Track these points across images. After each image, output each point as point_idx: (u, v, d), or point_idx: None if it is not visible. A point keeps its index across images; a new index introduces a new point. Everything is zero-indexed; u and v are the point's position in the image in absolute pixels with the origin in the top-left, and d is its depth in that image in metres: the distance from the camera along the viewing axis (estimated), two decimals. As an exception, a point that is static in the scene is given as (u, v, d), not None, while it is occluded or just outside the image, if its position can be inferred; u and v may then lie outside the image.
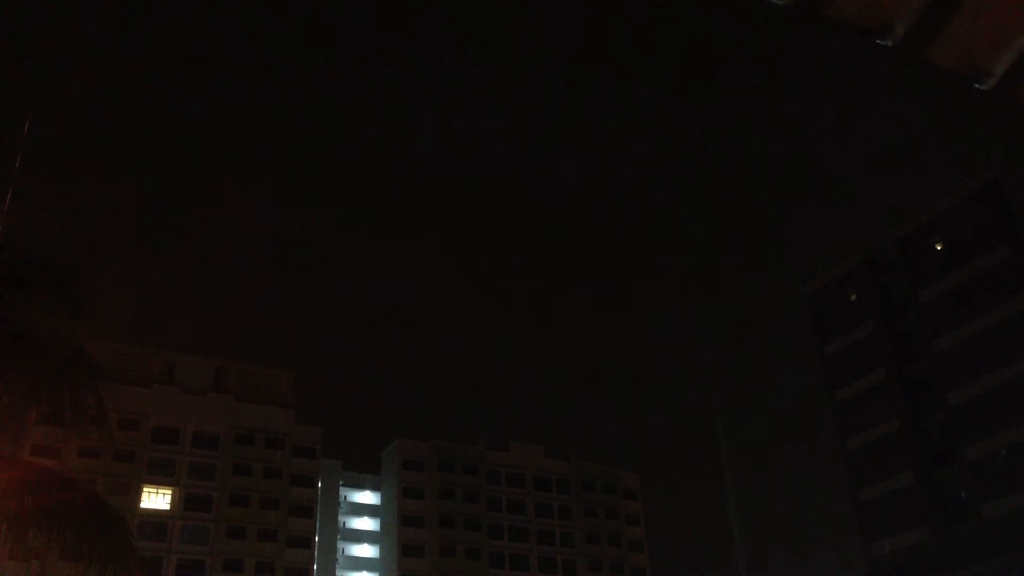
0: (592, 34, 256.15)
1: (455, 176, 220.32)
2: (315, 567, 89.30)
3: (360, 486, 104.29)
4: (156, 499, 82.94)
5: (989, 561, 48.93)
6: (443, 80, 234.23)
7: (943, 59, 2.53)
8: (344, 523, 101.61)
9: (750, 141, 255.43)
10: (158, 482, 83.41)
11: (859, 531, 59.06)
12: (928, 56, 2.56)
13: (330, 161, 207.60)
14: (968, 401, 54.26)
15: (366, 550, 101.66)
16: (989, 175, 56.11)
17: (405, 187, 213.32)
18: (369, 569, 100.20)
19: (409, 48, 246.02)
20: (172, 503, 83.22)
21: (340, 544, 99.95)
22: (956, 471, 54.77)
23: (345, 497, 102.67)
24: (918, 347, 58.59)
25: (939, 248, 58.09)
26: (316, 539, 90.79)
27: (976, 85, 2.64)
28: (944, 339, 56.43)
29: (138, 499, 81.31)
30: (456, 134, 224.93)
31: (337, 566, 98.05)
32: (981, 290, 54.80)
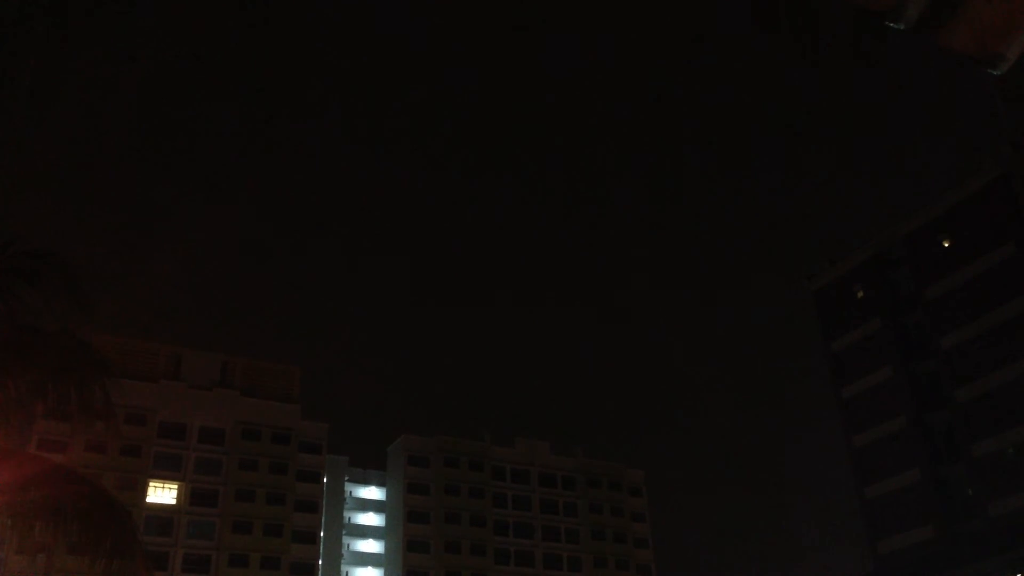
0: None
1: (465, 168, 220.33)
2: (320, 562, 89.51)
3: (366, 482, 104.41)
4: (162, 494, 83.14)
5: (995, 559, 48.78)
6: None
7: (956, 43, 2.48)
8: (349, 518, 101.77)
9: (758, 139, 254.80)
10: (164, 477, 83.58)
11: (865, 528, 58.97)
12: (941, 40, 2.50)
13: (334, 164, 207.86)
14: (975, 399, 54.10)
15: (371, 545, 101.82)
16: (997, 171, 55.91)
17: (413, 184, 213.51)
18: (374, 564, 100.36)
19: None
20: (178, 498, 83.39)
21: (345, 539, 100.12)
22: (963, 469, 54.62)
23: (350, 493, 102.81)
24: (925, 344, 58.43)
25: (946, 245, 57.88)
26: (321, 534, 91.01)
27: (989, 70, 2.59)
28: (951, 336, 56.26)
29: (144, 494, 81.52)
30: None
31: (342, 561, 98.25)
32: (988, 287, 54.61)
